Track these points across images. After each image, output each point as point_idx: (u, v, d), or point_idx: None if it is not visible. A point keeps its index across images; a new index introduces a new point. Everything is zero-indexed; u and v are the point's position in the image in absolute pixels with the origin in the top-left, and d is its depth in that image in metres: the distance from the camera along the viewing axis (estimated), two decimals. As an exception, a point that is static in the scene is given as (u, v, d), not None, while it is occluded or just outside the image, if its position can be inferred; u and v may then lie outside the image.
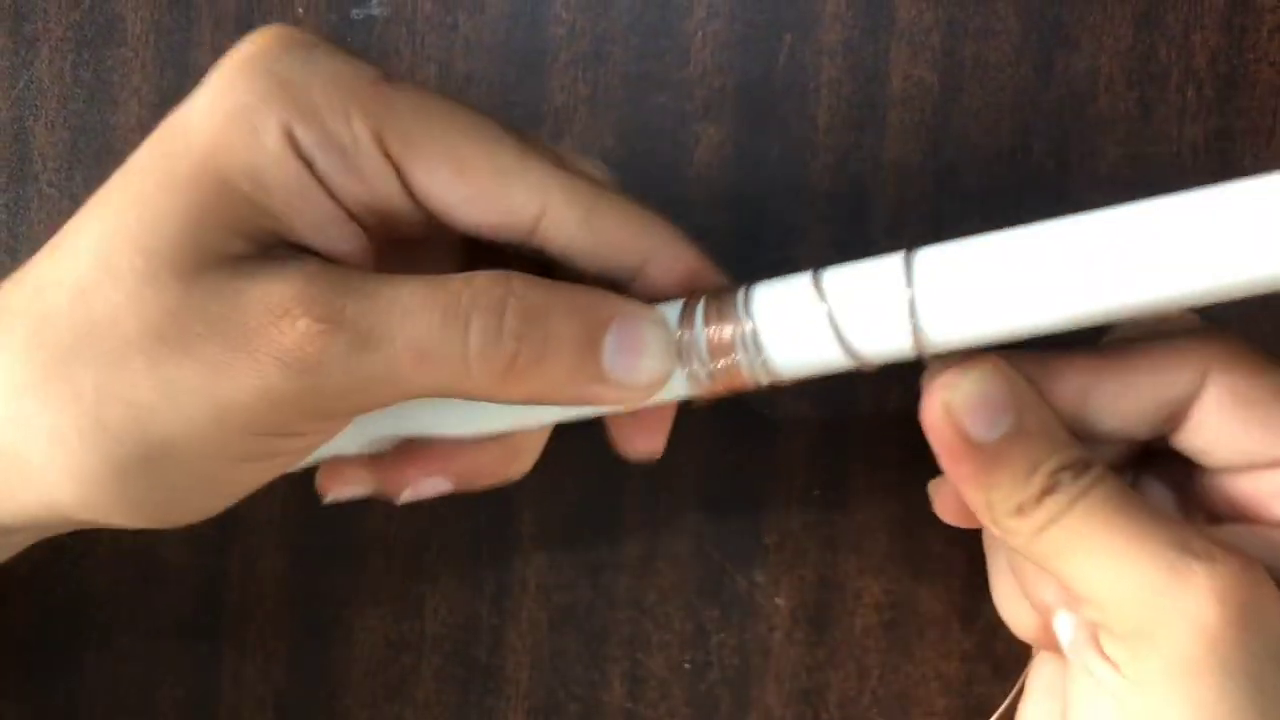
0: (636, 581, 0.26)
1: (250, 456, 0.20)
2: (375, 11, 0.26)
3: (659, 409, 0.22)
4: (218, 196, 0.19)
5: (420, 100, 0.19)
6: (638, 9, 0.25)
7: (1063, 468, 0.19)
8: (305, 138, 0.19)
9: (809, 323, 0.20)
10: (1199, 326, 0.22)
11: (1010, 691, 0.25)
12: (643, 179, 0.25)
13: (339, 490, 0.22)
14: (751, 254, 0.26)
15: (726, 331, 0.20)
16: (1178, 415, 0.20)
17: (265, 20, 0.26)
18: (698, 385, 0.20)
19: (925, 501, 0.23)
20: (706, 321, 0.20)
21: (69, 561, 0.26)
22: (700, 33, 0.25)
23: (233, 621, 0.26)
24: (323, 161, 0.19)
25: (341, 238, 0.20)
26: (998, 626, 0.24)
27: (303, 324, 0.18)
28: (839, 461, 0.26)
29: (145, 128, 0.22)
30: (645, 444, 0.23)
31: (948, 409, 0.19)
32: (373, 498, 0.22)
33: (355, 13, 0.26)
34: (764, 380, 0.20)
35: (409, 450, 0.22)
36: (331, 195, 0.19)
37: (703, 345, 0.20)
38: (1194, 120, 0.25)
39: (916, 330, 0.19)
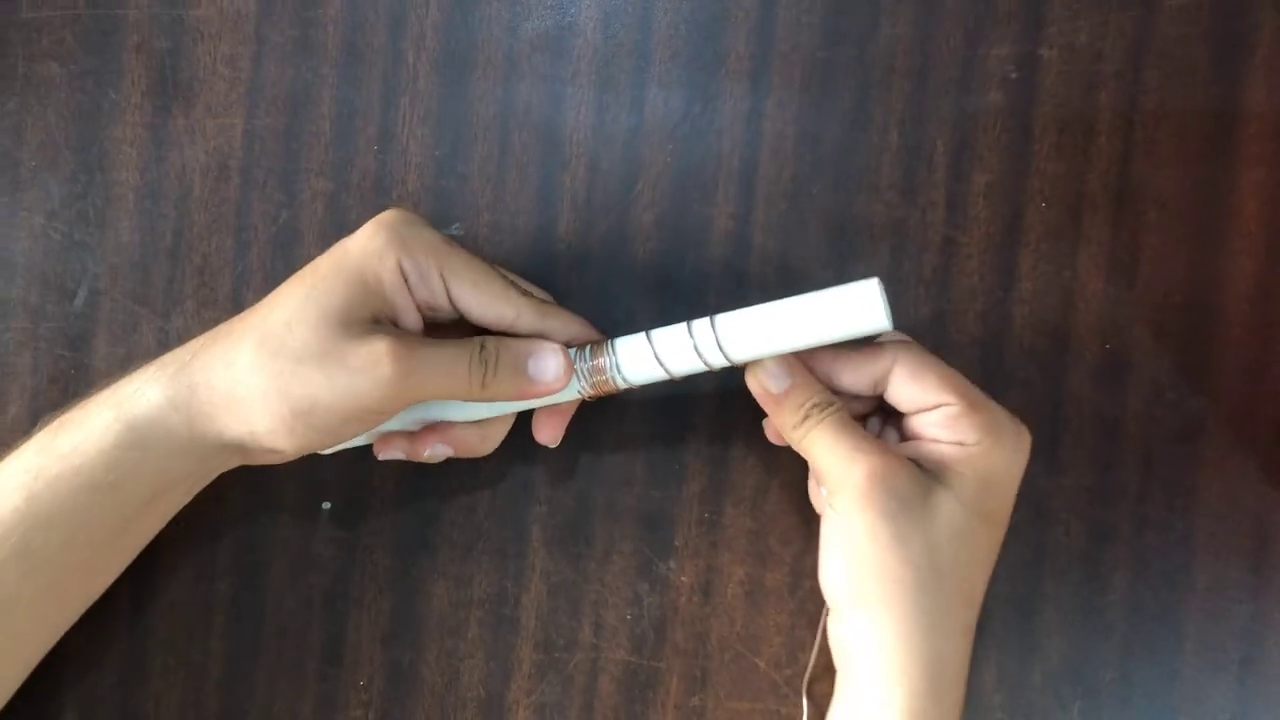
0: (600, 567, 0.44)
1: (356, 421, 0.36)
2: (455, 231, 0.44)
3: (564, 407, 0.41)
4: (359, 289, 0.36)
5: (463, 255, 0.38)
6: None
7: (814, 404, 0.37)
8: (405, 266, 0.37)
9: (643, 354, 0.38)
10: (896, 337, 0.40)
11: (817, 636, 0.43)
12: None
13: (387, 452, 0.40)
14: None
15: (600, 361, 0.38)
16: (882, 381, 0.38)
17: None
18: (585, 391, 0.38)
19: (770, 521, 0.41)
20: (591, 356, 0.38)
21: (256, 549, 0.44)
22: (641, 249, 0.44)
23: (359, 590, 0.44)
24: (412, 279, 0.37)
25: (414, 320, 0.38)
26: (810, 596, 0.42)
27: (387, 365, 0.35)
28: (720, 499, 0.44)
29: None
30: (551, 433, 0.41)
31: (758, 376, 0.38)
32: (406, 459, 0.40)
33: (450, 229, 0.44)
34: (621, 385, 0.38)
35: (430, 428, 0.40)
36: (413, 296, 0.37)
37: (587, 369, 0.38)
38: (923, 305, 0.44)
39: (697, 353, 0.38)
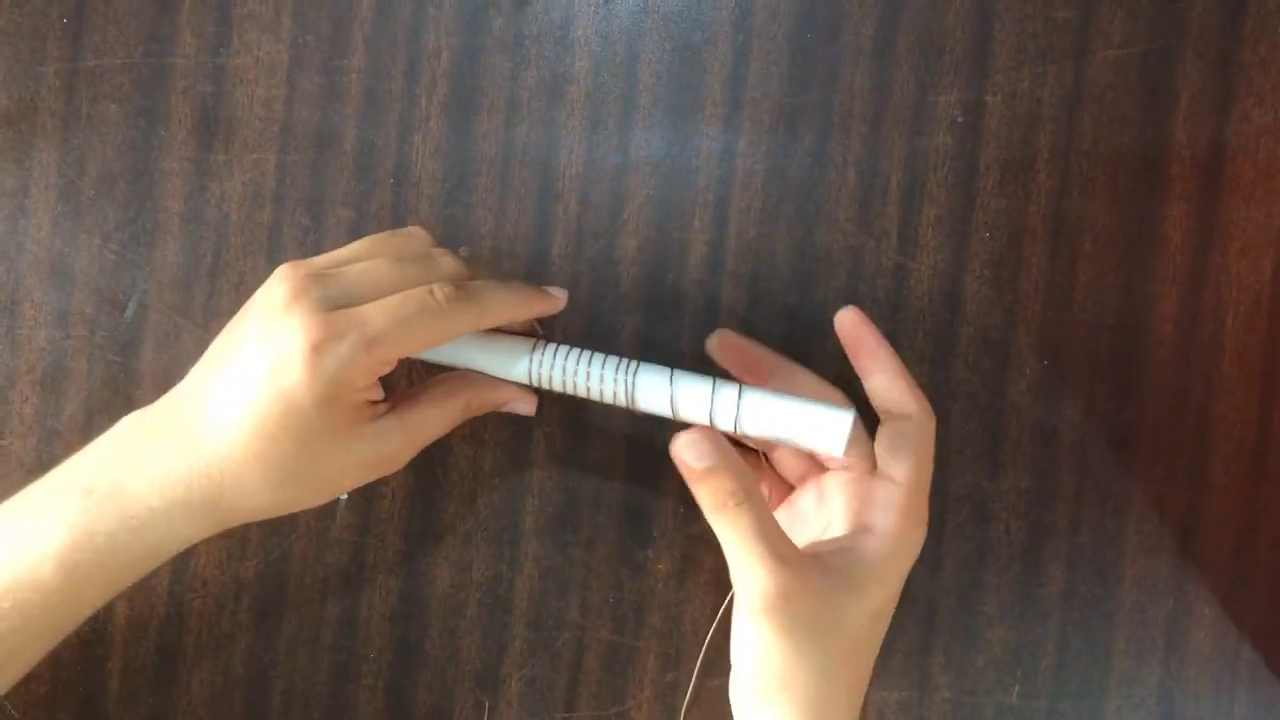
0: (586, 554, 0.49)
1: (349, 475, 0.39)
2: (462, 253, 0.50)
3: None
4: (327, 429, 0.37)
5: (392, 340, 0.37)
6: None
7: (730, 493, 0.36)
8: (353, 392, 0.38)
9: (659, 391, 0.41)
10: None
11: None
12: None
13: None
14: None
15: (617, 377, 0.43)
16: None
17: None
18: (580, 391, 0.44)
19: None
20: (610, 369, 0.43)
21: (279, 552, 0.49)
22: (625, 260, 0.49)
23: (371, 572, 0.49)
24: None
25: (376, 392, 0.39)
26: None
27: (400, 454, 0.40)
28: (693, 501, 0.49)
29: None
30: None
31: (682, 448, 0.37)
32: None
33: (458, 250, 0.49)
34: (621, 404, 0.42)
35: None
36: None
37: (607, 377, 0.43)
38: (877, 324, 0.49)
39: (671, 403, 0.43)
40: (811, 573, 0.37)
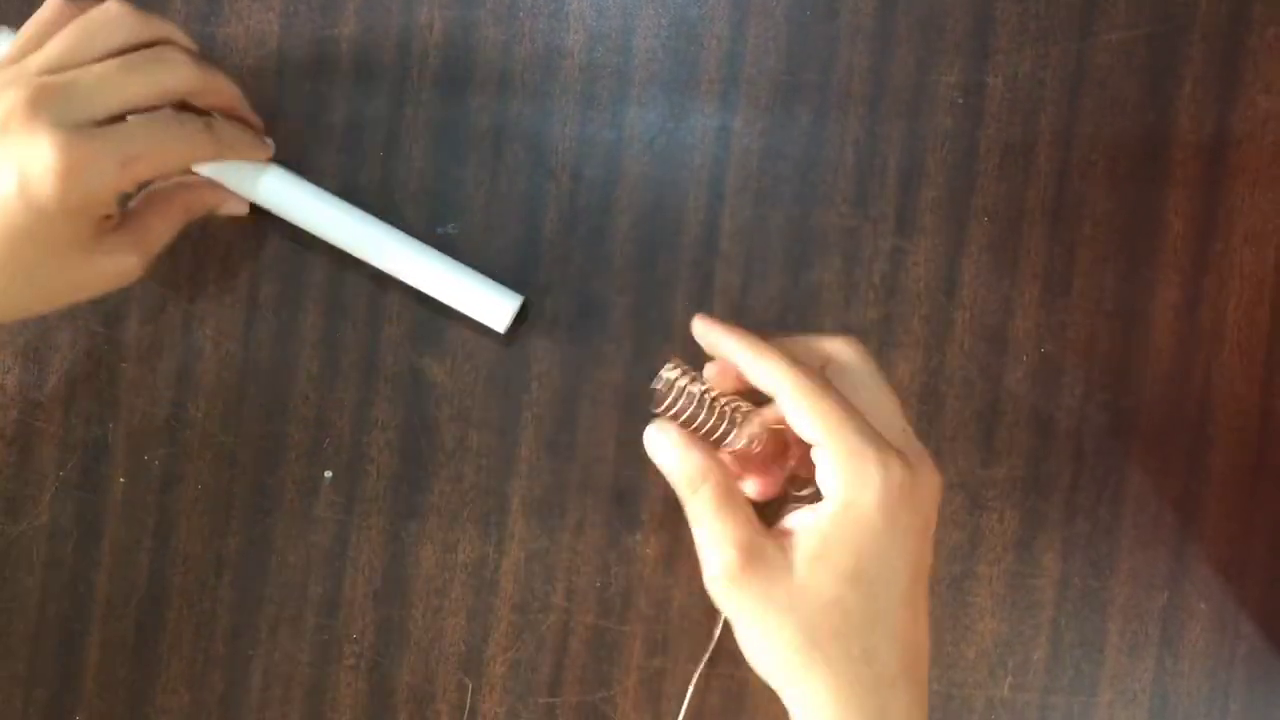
0: (574, 538, 0.48)
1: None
2: (451, 230, 0.49)
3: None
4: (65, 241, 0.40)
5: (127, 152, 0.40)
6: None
7: (688, 480, 0.38)
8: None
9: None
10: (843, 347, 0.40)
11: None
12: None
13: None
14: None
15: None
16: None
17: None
18: None
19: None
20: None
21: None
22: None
23: (355, 551, 0.48)
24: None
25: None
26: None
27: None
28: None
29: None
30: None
31: (646, 442, 0.39)
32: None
33: (446, 228, 0.49)
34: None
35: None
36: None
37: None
38: (873, 307, 0.48)
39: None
40: (763, 552, 0.37)
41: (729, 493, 0.38)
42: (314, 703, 0.48)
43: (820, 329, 0.48)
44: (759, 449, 0.40)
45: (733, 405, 0.40)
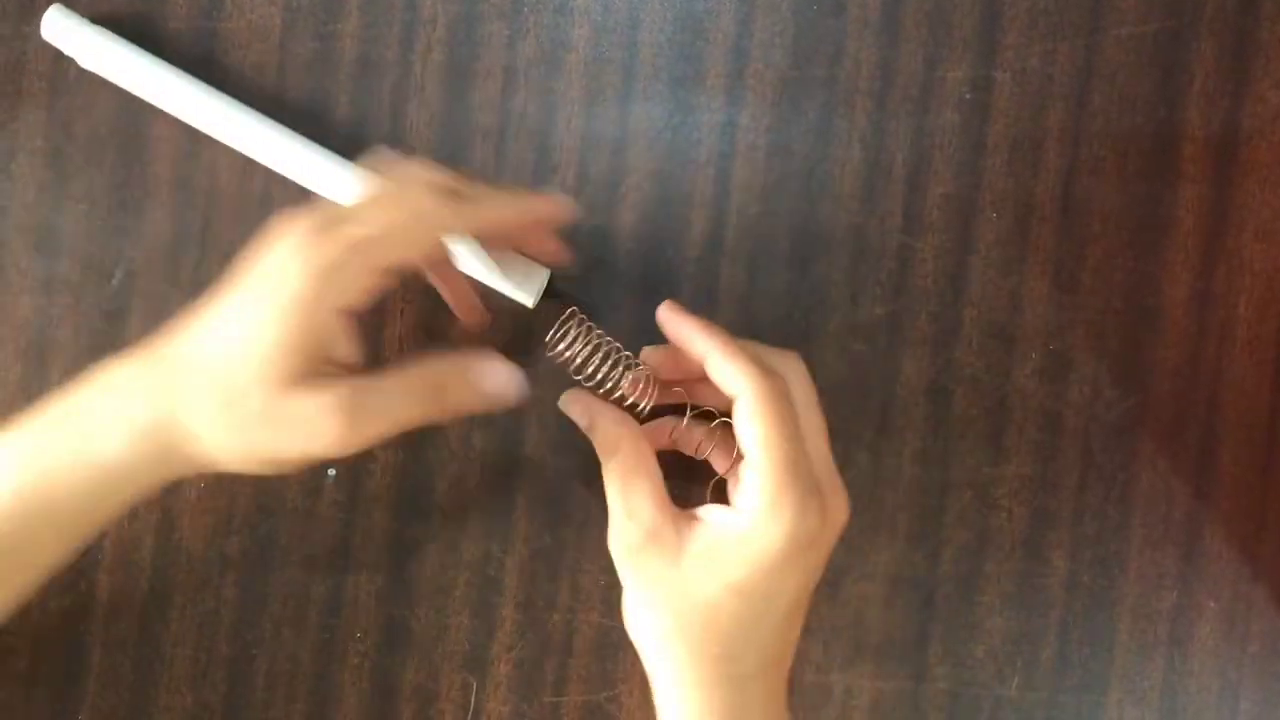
0: (578, 536, 0.48)
1: (318, 460, 0.37)
2: (456, 226, 0.48)
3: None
4: (299, 339, 0.36)
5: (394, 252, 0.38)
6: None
7: (603, 448, 0.40)
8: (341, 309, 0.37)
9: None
10: (789, 366, 0.40)
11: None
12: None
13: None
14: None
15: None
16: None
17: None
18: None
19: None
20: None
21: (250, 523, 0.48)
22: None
23: (358, 550, 0.48)
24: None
25: (349, 350, 0.38)
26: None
27: (335, 423, 0.36)
28: (685, 479, 0.47)
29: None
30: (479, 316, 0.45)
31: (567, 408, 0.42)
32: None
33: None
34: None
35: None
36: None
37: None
38: (880, 304, 0.48)
39: None
40: (661, 534, 0.39)
41: (639, 463, 0.40)
42: (317, 702, 0.47)
43: (827, 327, 0.47)
44: (646, 403, 0.42)
45: (623, 355, 0.42)
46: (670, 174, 0.47)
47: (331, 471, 0.48)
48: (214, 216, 0.48)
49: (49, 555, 0.38)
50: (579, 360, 0.41)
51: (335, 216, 0.37)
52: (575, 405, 0.42)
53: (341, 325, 0.37)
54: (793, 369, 0.40)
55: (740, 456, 0.39)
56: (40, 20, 0.46)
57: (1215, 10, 0.47)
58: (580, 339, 0.41)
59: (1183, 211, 0.47)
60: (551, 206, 0.42)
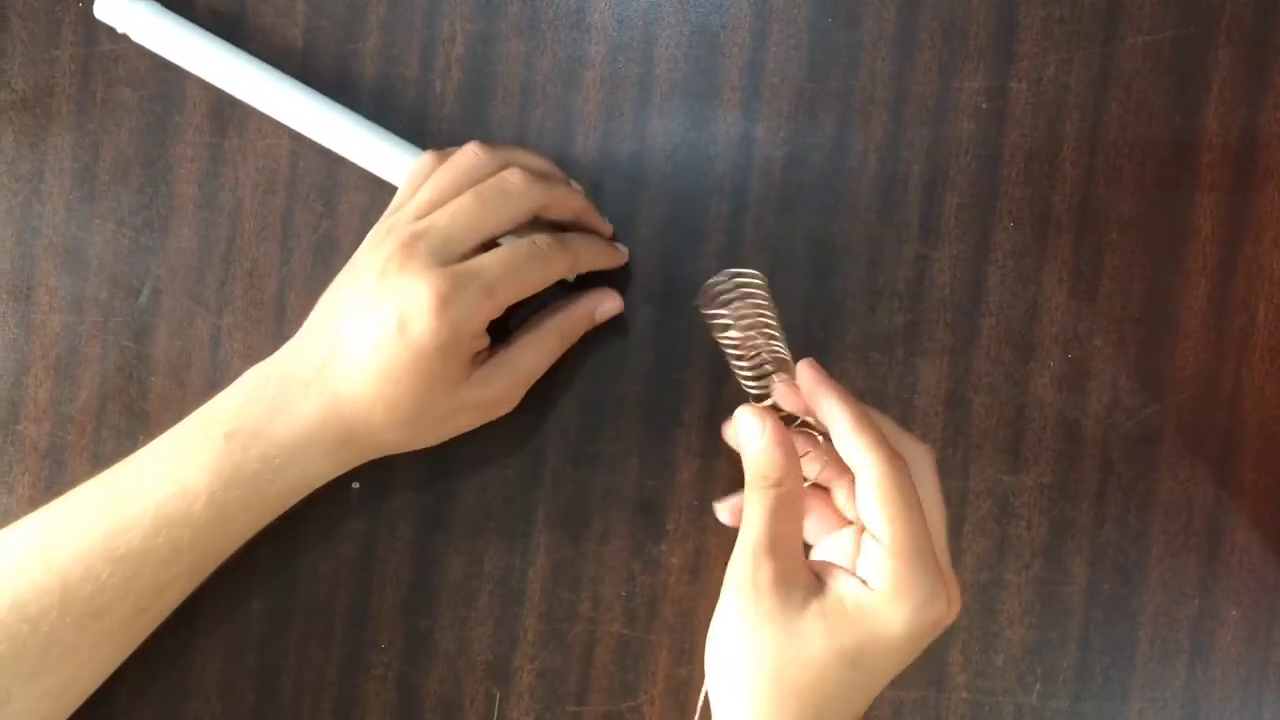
0: (599, 548, 0.48)
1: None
2: (476, 241, 0.49)
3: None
4: (444, 375, 0.42)
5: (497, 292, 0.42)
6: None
7: (762, 476, 0.39)
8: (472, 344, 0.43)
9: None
10: (915, 449, 0.41)
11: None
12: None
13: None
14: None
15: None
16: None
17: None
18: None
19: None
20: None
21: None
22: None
23: (382, 562, 0.48)
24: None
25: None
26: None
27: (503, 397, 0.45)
28: (707, 488, 0.48)
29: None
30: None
31: (736, 424, 0.40)
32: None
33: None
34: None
35: None
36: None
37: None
38: (898, 314, 0.48)
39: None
40: (789, 583, 0.38)
41: (793, 505, 0.39)
42: (343, 713, 0.48)
43: (845, 337, 0.47)
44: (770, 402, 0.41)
45: (776, 350, 0.41)
46: (686, 188, 0.48)
47: (355, 484, 0.48)
48: (237, 234, 0.48)
49: (233, 542, 0.44)
50: (737, 336, 0.41)
51: (444, 244, 0.41)
52: (756, 426, 0.40)
53: (468, 343, 0.42)
54: (922, 457, 0.41)
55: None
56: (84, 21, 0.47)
57: (1232, 17, 0.47)
58: (749, 315, 0.41)
59: (1201, 219, 0.47)
60: (618, 258, 0.47)
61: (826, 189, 0.47)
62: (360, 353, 0.41)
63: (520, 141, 0.48)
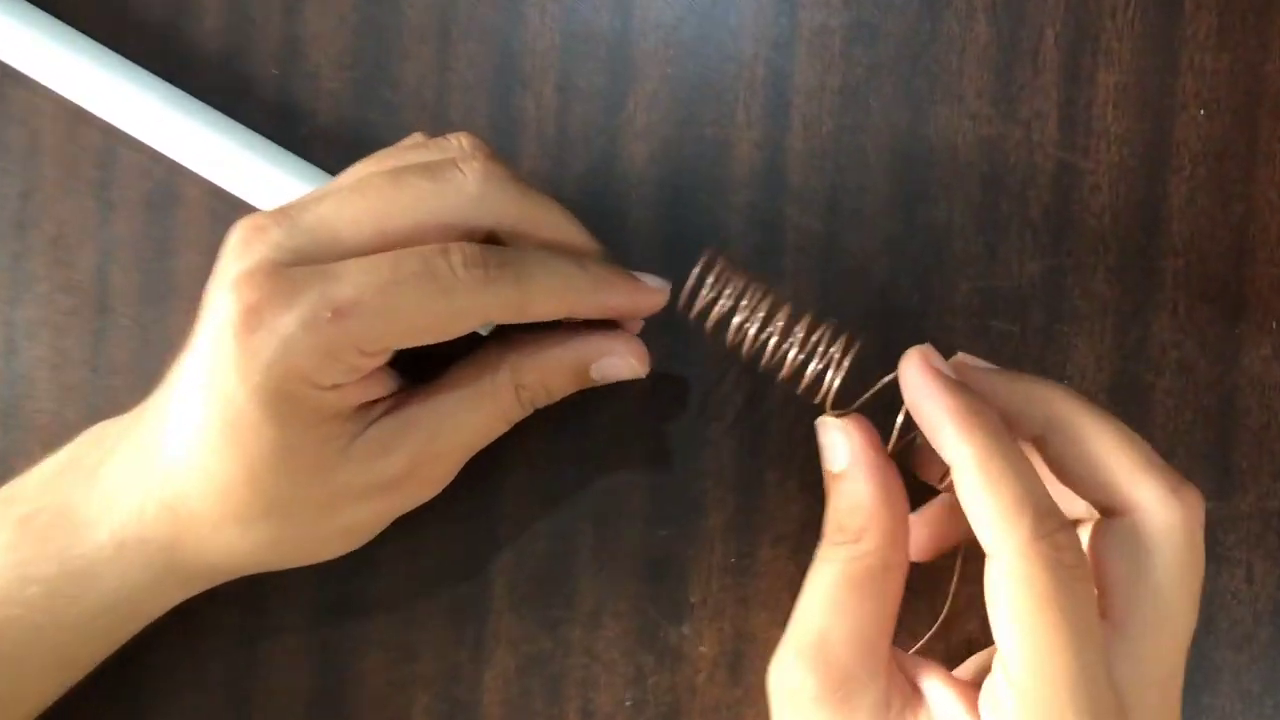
0: (587, 634, 0.33)
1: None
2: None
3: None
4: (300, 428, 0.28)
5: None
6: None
7: (845, 524, 0.27)
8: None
9: None
10: None
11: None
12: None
13: None
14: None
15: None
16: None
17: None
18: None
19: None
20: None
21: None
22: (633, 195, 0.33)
23: (264, 668, 0.33)
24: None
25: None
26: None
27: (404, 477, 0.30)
28: (750, 535, 0.32)
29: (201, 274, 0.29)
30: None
31: (819, 434, 0.28)
32: None
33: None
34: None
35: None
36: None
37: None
38: (1032, 259, 0.32)
39: None
40: (867, 689, 0.26)
41: (878, 577, 0.27)
42: None
43: (952, 298, 0.32)
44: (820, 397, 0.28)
45: (810, 344, 0.28)
46: (698, 82, 0.33)
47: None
48: (35, 186, 0.33)
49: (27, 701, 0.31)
50: (749, 322, 0.28)
51: (308, 234, 0.27)
52: (840, 438, 0.28)
53: (315, 396, 0.28)
54: (1165, 516, 0.26)
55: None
56: None
57: None
58: (734, 297, 0.28)
59: None
60: (636, 298, 0.30)
61: (912, 72, 0.33)
62: (175, 403, 0.28)
63: (446, 26, 0.32)
